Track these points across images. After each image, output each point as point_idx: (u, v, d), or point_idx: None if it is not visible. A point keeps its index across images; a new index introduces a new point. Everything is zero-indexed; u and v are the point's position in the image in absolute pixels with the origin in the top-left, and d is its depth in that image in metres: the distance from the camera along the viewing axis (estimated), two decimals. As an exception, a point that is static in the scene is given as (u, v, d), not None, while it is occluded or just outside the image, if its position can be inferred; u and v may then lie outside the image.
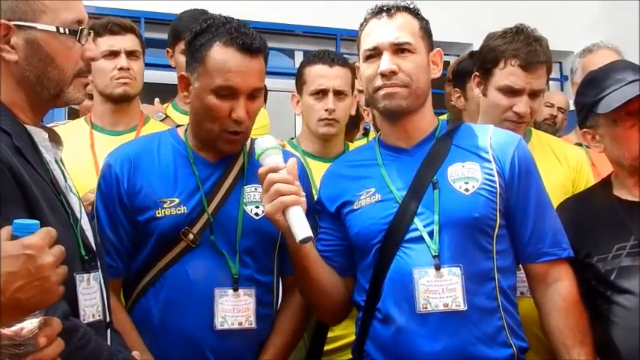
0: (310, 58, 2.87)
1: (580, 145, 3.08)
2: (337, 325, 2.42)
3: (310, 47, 5.96)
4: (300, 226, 1.92)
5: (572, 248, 2.16)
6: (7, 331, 1.28)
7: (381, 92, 2.08)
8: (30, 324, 1.30)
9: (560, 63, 6.64)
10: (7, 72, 1.64)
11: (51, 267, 1.29)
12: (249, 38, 2.11)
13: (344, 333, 2.53)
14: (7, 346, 1.28)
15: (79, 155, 2.72)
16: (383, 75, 2.06)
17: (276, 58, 6.03)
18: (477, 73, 2.58)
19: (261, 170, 1.99)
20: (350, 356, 2.27)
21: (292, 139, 2.98)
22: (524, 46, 2.46)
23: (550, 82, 6.78)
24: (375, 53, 2.09)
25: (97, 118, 2.90)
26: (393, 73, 2.05)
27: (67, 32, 1.67)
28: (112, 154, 2.25)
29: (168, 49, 3.24)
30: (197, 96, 2.14)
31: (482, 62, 2.56)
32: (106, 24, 2.85)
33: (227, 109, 2.10)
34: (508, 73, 2.47)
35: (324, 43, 6.00)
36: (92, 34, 1.73)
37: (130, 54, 2.85)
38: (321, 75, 2.79)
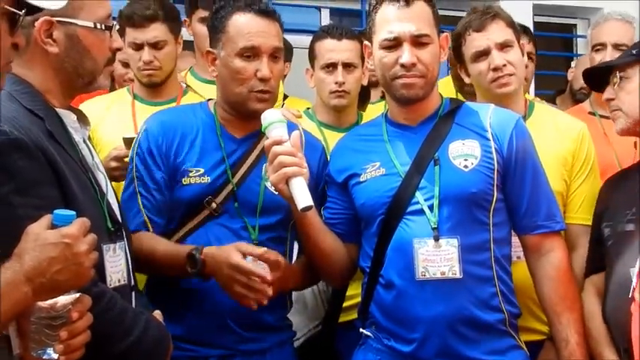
0: (319, 33, 2.99)
1: (593, 114, 3.15)
2: (340, 286, 2.58)
3: (336, 4, 5.99)
4: (301, 196, 2.06)
5: (598, 217, 2.30)
6: (43, 304, 1.46)
7: (400, 82, 2.18)
8: (64, 299, 1.47)
9: (589, 20, 6.59)
10: (45, 62, 1.82)
11: (85, 254, 1.46)
12: (263, 5, 2.31)
13: (354, 293, 2.66)
14: (44, 317, 1.46)
15: (122, 125, 2.88)
16: (403, 66, 2.16)
17: (302, 15, 6.06)
18: (459, 66, 2.68)
19: (266, 143, 2.12)
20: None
21: (308, 109, 3.10)
22: (472, 16, 2.59)
23: (578, 40, 6.78)
24: (394, 43, 2.17)
25: (138, 89, 3.04)
26: (414, 65, 2.15)
27: (103, 27, 1.85)
28: (149, 121, 2.40)
29: (186, 19, 3.34)
30: (224, 64, 2.30)
31: (455, 54, 2.66)
32: (130, 15, 2.93)
33: (252, 69, 2.26)
34: (470, 43, 2.58)
35: (350, 2, 6.03)
36: (116, 24, 1.90)
37: (154, 45, 2.93)
38: (330, 49, 2.91)
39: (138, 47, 2.94)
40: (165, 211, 2.32)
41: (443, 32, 2.29)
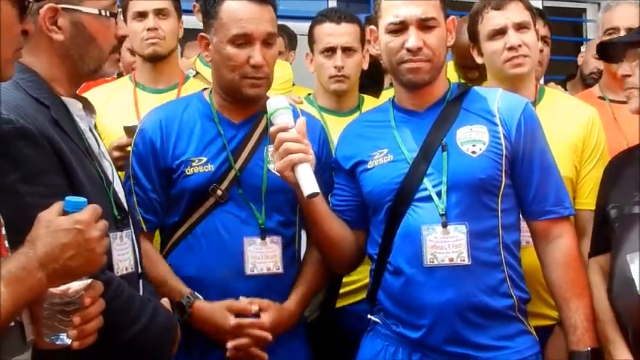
0: (318, 17, 2.95)
1: (603, 98, 3.11)
2: (347, 273, 2.58)
3: (344, -9, 5.97)
4: (307, 183, 2.05)
5: (604, 195, 2.26)
6: (56, 290, 1.46)
7: (406, 66, 2.16)
8: (76, 285, 1.47)
9: (599, 4, 6.54)
10: (50, 50, 1.81)
11: (97, 240, 1.46)
12: None
13: (359, 277, 2.72)
14: (57, 303, 1.47)
15: (124, 113, 2.89)
16: (409, 50, 2.14)
17: (310, 2, 6.04)
18: (472, 45, 2.66)
19: (271, 130, 2.11)
20: (363, 296, 2.48)
21: (309, 94, 3.08)
22: None
23: (588, 24, 6.72)
24: (401, 27, 2.16)
25: (139, 76, 3.04)
26: (420, 49, 2.13)
27: (108, 14, 1.84)
28: (145, 119, 2.43)
29: (195, 4, 3.34)
30: (216, 50, 2.29)
31: (470, 33, 2.65)
32: None
33: (244, 56, 2.25)
34: (487, 20, 2.57)
35: (358, -13, 6.00)
36: (120, 12, 1.89)
37: (159, 12, 2.93)
38: (329, 33, 2.87)
39: (142, 16, 2.92)
40: (159, 210, 2.34)
41: (449, 16, 2.26)
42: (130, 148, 2.42)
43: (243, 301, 2.26)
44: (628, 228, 2.17)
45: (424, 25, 2.15)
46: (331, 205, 2.31)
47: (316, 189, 2.05)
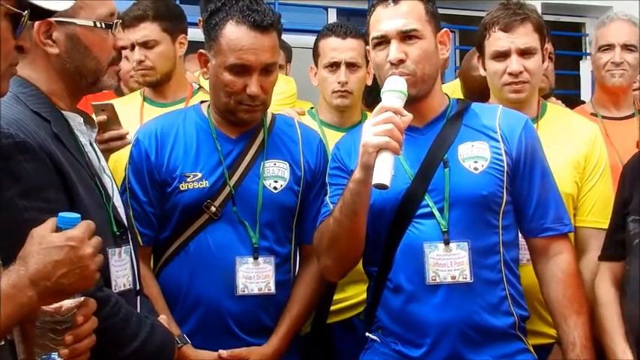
0: (324, 31, 2.94)
1: (595, 115, 3.11)
2: (339, 280, 2.49)
3: (343, 4, 5.98)
4: (383, 171, 1.92)
5: (623, 200, 2.25)
6: (48, 308, 1.44)
7: None
8: (69, 303, 1.45)
9: (597, 18, 6.56)
10: (48, 64, 1.79)
11: (90, 257, 1.43)
12: (260, 15, 2.21)
13: (352, 294, 2.73)
14: (49, 322, 1.45)
15: (130, 126, 2.85)
16: (392, 63, 2.11)
17: (309, 15, 6.06)
18: (477, 56, 2.65)
19: (387, 105, 1.99)
20: (356, 312, 2.54)
21: (312, 108, 3.07)
22: (503, 12, 2.54)
23: (587, 38, 6.74)
24: (383, 41, 2.14)
25: (146, 91, 3.03)
26: (401, 61, 2.10)
27: (103, 26, 1.81)
28: (141, 129, 2.41)
29: (200, 19, 3.33)
30: (214, 72, 2.27)
31: (477, 43, 2.64)
32: (122, 17, 2.83)
33: (241, 84, 2.22)
34: (493, 40, 2.55)
35: (357, 1, 6.01)
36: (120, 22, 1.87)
37: (143, 45, 2.90)
38: (334, 48, 2.85)
39: (131, 48, 2.90)
40: (155, 224, 2.32)
41: (442, 29, 2.23)
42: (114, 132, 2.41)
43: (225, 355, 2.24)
44: None
45: (406, 37, 2.12)
46: (330, 207, 2.20)
47: (388, 182, 1.92)
